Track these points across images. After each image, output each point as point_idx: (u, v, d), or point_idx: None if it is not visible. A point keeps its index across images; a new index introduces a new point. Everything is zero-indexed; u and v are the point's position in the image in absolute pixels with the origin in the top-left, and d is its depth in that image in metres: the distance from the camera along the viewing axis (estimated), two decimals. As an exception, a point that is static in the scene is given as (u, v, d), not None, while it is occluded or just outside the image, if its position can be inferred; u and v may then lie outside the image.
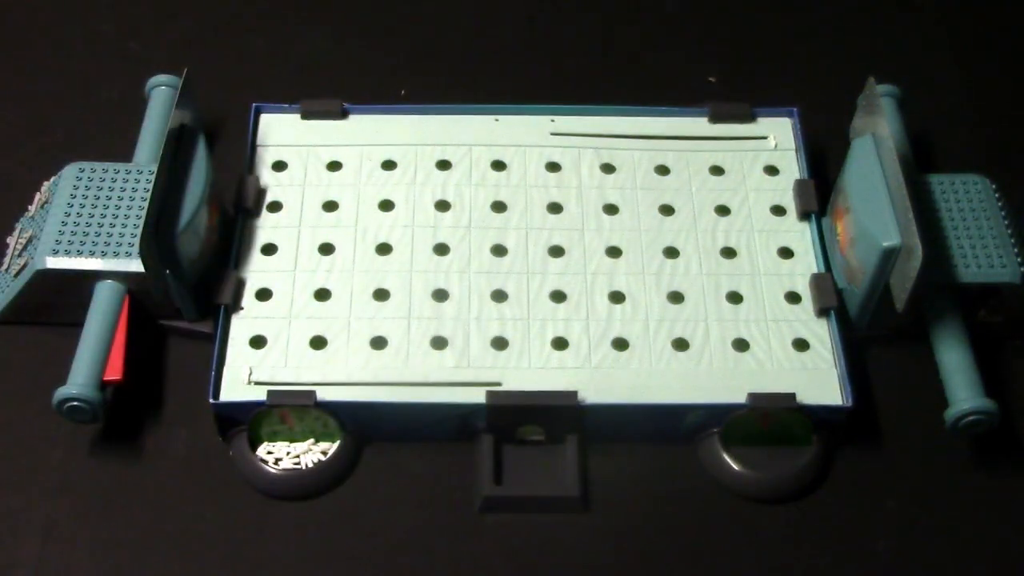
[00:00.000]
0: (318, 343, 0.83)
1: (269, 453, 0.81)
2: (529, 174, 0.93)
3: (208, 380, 0.80)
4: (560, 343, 0.84)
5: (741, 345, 0.84)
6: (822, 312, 0.86)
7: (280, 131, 0.95)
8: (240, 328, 0.84)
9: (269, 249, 0.88)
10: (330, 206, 0.91)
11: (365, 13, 1.10)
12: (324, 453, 0.81)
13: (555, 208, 0.91)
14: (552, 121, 0.96)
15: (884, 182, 0.84)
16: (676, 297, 0.87)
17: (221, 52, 1.06)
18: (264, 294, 0.86)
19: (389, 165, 0.93)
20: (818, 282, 0.86)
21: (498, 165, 0.94)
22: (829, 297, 0.86)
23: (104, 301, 0.82)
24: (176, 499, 0.80)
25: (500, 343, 0.84)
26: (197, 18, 1.09)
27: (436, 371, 0.82)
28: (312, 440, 0.81)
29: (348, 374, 0.82)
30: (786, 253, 0.89)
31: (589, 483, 0.81)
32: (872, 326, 0.87)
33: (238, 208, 0.90)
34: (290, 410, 0.80)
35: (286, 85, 1.02)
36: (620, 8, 1.11)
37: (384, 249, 0.88)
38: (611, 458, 0.82)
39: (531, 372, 0.82)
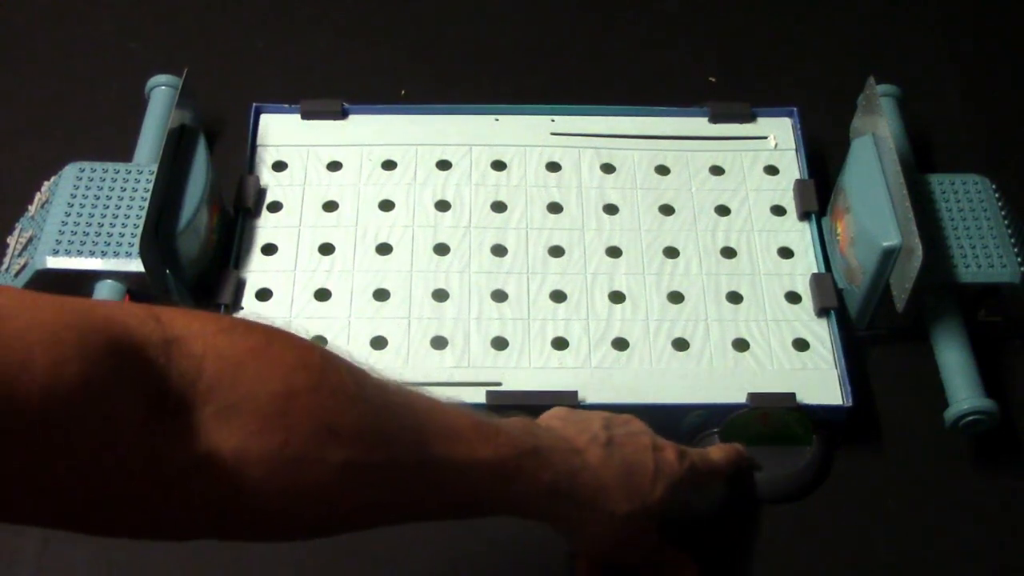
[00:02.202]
0: (318, 343, 0.83)
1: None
2: (529, 174, 0.93)
3: (208, 380, 0.80)
4: (560, 343, 0.84)
5: (741, 345, 0.84)
6: (822, 312, 0.86)
7: (280, 131, 0.95)
8: (240, 328, 0.84)
9: (269, 249, 0.88)
10: (330, 206, 0.91)
11: (365, 13, 1.10)
12: (324, 453, 0.81)
13: (555, 208, 0.91)
14: (552, 121, 0.96)
15: (884, 182, 0.84)
16: (676, 297, 0.87)
17: (221, 52, 1.06)
18: (264, 294, 0.86)
19: (389, 165, 0.93)
20: (818, 282, 0.86)
21: (498, 165, 0.93)
22: (829, 297, 0.86)
23: (104, 301, 0.82)
24: (176, 499, 0.80)
25: (500, 343, 0.84)
26: (197, 18, 1.09)
27: (436, 371, 0.82)
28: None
29: (348, 374, 0.82)
30: (786, 253, 0.89)
31: (589, 483, 0.81)
32: (872, 326, 0.87)
33: (238, 208, 0.90)
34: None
35: (286, 85, 1.02)
36: (620, 8, 1.11)
37: (384, 249, 0.88)
38: (611, 458, 0.82)
39: (531, 372, 0.82)
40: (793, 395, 0.80)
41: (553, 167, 0.94)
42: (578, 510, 0.65)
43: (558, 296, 0.86)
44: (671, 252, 0.89)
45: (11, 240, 0.89)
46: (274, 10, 1.10)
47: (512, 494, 0.62)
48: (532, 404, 0.80)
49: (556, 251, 0.89)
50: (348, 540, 0.78)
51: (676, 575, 0.74)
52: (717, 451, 0.76)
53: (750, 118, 0.96)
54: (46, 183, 0.90)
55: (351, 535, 0.54)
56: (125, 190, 0.86)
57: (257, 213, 0.90)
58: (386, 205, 0.91)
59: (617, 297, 0.86)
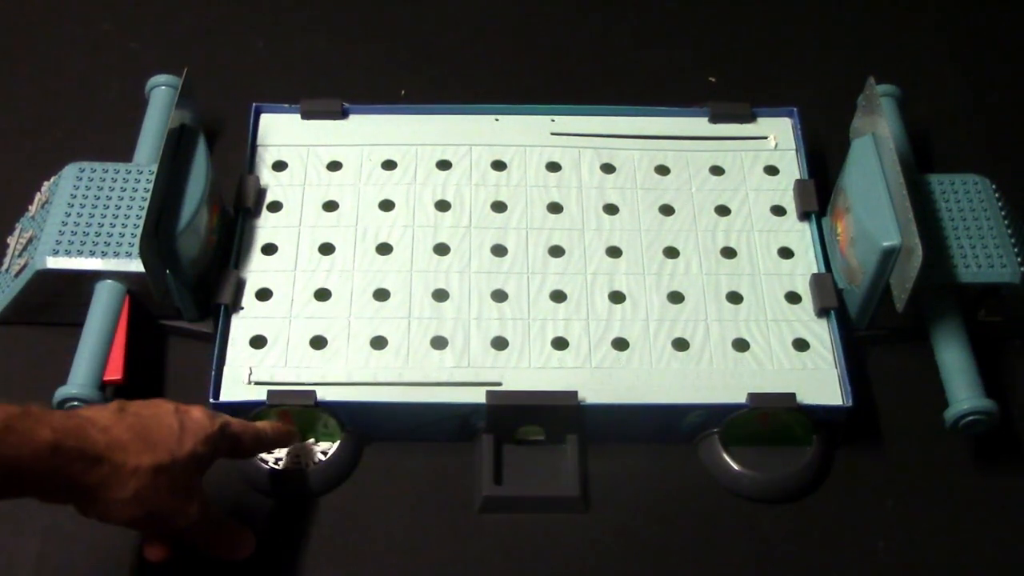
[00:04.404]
0: (318, 343, 0.83)
1: (269, 453, 0.81)
2: (529, 174, 0.93)
3: (208, 380, 0.80)
4: (560, 343, 0.84)
5: (741, 345, 0.84)
6: (822, 312, 0.86)
7: (280, 131, 0.95)
8: (240, 328, 0.84)
9: (269, 249, 0.88)
10: (330, 206, 0.91)
11: (365, 13, 1.10)
12: (324, 453, 0.81)
13: (555, 208, 0.91)
14: (552, 121, 0.96)
15: (884, 182, 0.84)
16: (676, 297, 0.87)
17: (221, 52, 1.06)
18: (264, 294, 0.86)
19: (389, 165, 0.93)
20: (818, 282, 0.86)
21: (498, 165, 0.93)
22: (829, 297, 0.86)
23: (104, 301, 0.82)
24: (176, 499, 0.80)
25: (500, 343, 0.84)
26: (197, 18, 1.09)
27: (436, 371, 0.82)
28: (312, 440, 0.81)
29: (348, 374, 0.82)
30: (786, 253, 0.89)
31: (589, 483, 0.81)
32: (872, 326, 0.87)
33: (238, 208, 0.90)
34: (290, 410, 0.80)
35: (286, 85, 1.02)
36: (620, 8, 1.11)
37: (384, 249, 0.88)
38: (611, 458, 0.82)
39: (531, 372, 0.82)
40: (793, 395, 0.80)
41: (553, 167, 0.94)
42: (92, 467, 0.64)
43: (558, 296, 0.86)
44: (671, 252, 0.89)
45: (11, 240, 0.89)
46: (274, 10, 1.10)
47: (8, 455, 0.61)
48: (532, 404, 0.80)
49: (556, 251, 0.89)
50: (348, 541, 0.78)
51: (232, 543, 0.73)
52: (265, 423, 0.77)
53: (750, 118, 0.96)
54: (46, 183, 0.90)
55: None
56: (125, 190, 0.86)
57: (257, 213, 0.90)
58: (386, 205, 0.91)
59: (617, 297, 0.86)
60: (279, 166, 0.93)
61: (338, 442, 0.81)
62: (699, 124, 0.96)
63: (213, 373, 0.81)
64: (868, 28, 1.10)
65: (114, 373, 0.80)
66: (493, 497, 0.79)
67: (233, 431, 0.73)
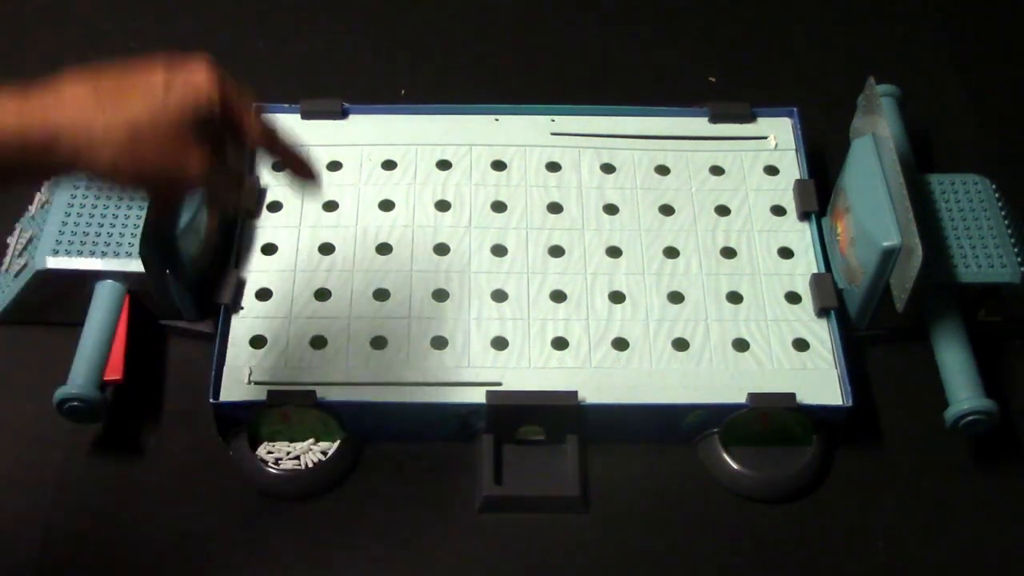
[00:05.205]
0: (318, 343, 0.83)
1: (269, 453, 0.81)
2: (529, 174, 0.93)
3: (208, 380, 0.80)
4: (560, 343, 0.84)
5: (741, 345, 0.84)
6: (822, 312, 0.86)
7: (280, 131, 0.95)
8: (240, 328, 0.84)
9: (269, 249, 0.88)
10: (330, 206, 0.91)
11: (365, 13, 1.10)
12: (324, 453, 0.81)
13: (555, 208, 0.91)
14: (552, 121, 0.96)
15: (884, 182, 0.84)
16: (676, 297, 0.87)
17: (221, 52, 1.06)
18: (264, 294, 0.86)
19: (389, 165, 0.93)
20: (818, 282, 0.86)
21: (498, 165, 0.93)
22: (829, 297, 0.86)
23: (104, 301, 0.82)
24: (176, 499, 0.80)
25: (500, 343, 0.84)
26: (197, 18, 1.09)
27: (436, 371, 0.82)
28: (312, 440, 0.81)
29: (348, 374, 0.82)
30: (786, 253, 0.89)
31: (589, 483, 0.81)
32: (872, 326, 0.87)
33: (238, 208, 0.90)
34: (290, 410, 0.80)
35: (286, 85, 1.02)
36: (620, 8, 1.11)
37: (384, 249, 0.88)
38: (611, 458, 0.82)
39: (531, 372, 0.82)
40: (793, 395, 0.80)
41: (553, 167, 0.94)
42: (58, 142, 0.63)
43: (558, 296, 0.86)
44: (671, 252, 0.89)
45: (11, 240, 0.89)
46: (274, 10, 1.10)
47: None
48: (532, 404, 0.80)
49: (556, 251, 0.89)
50: (348, 541, 0.78)
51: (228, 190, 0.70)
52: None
53: (750, 118, 0.96)
54: (46, 183, 0.90)
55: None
56: (125, 190, 0.86)
57: (257, 213, 0.90)
58: (386, 205, 0.91)
59: (617, 297, 0.86)
60: (279, 166, 0.93)
61: (338, 442, 0.81)
62: (699, 124, 0.96)
63: (213, 373, 0.80)
64: (868, 28, 1.10)
65: (114, 373, 0.80)
66: (493, 497, 0.79)
67: (233, 103, 0.68)
